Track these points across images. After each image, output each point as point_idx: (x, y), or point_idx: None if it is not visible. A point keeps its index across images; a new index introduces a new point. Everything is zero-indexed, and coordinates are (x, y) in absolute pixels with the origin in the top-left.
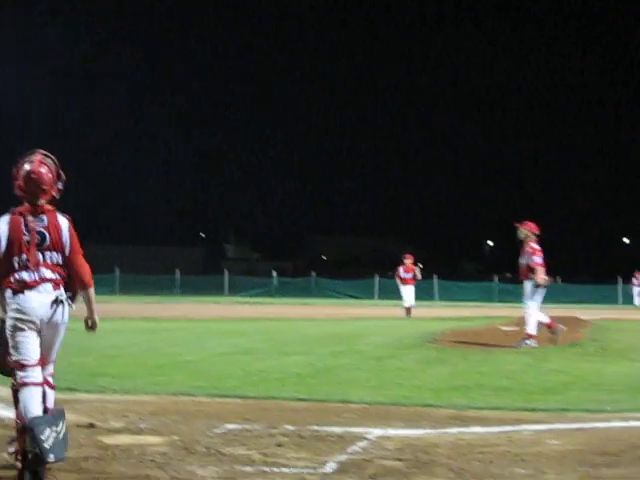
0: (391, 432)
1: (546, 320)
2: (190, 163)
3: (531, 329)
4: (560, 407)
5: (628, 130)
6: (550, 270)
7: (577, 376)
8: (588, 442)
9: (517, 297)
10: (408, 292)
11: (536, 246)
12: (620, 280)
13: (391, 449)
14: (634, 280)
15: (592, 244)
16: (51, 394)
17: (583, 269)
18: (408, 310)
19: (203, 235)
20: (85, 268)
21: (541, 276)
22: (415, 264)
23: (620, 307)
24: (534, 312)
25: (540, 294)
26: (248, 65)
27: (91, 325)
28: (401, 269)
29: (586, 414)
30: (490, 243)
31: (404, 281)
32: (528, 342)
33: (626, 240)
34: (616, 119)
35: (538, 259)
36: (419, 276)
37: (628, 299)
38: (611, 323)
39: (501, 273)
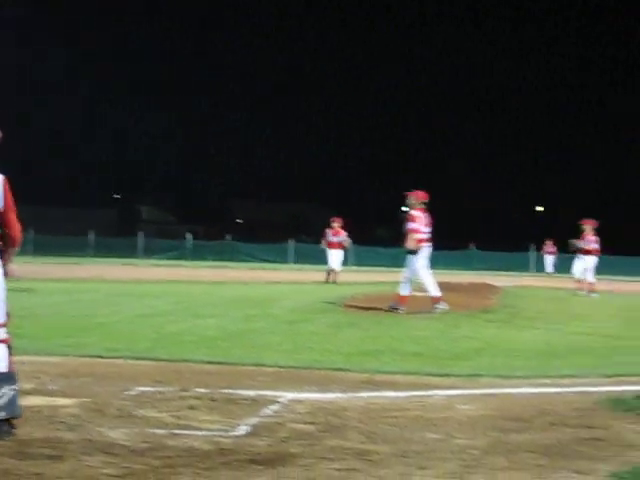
0: (303, 396)
1: (405, 292)
2: (106, 124)
3: (433, 292)
4: (471, 373)
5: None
6: (463, 237)
7: (488, 342)
8: (499, 407)
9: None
10: (335, 256)
11: (416, 213)
12: (533, 248)
13: (303, 412)
14: (545, 248)
15: (506, 212)
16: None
17: (497, 236)
18: (329, 274)
19: (118, 196)
20: (17, 226)
21: (410, 242)
22: (344, 228)
23: (532, 274)
24: (424, 277)
25: (422, 258)
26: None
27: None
28: (329, 232)
29: (497, 380)
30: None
31: (331, 245)
32: (438, 306)
33: (540, 208)
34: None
35: (412, 225)
36: (348, 241)
37: (540, 267)
38: (522, 290)
39: None
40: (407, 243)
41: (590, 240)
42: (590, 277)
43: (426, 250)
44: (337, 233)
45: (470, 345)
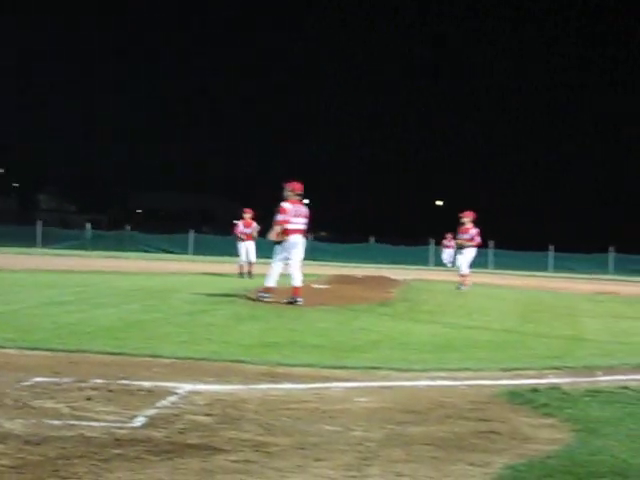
0: (201, 387)
1: (272, 283)
2: (4, 109)
3: (267, 282)
4: (369, 365)
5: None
6: (363, 230)
7: (386, 335)
8: (396, 400)
9: (331, 255)
10: (249, 248)
11: (285, 205)
12: (432, 242)
13: (200, 404)
14: (444, 242)
15: (406, 206)
16: None
17: (396, 230)
18: (243, 267)
19: (16, 184)
20: None
21: (271, 233)
22: (254, 219)
23: (431, 268)
24: (274, 267)
25: (285, 251)
26: None
27: None
28: (241, 224)
29: (394, 372)
30: (306, 201)
31: (244, 237)
32: (265, 295)
33: (439, 203)
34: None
35: (279, 217)
36: (256, 233)
37: (440, 260)
38: (421, 283)
39: (316, 232)
40: (269, 234)
41: (470, 232)
42: (465, 269)
43: (292, 242)
44: (248, 225)
45: (368, 338)
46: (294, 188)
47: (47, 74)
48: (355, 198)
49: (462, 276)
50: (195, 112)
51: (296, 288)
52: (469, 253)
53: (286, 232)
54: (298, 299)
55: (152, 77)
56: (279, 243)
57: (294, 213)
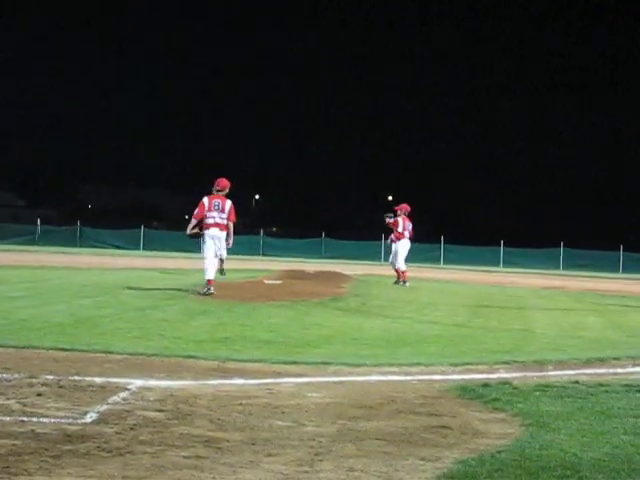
0: (152, 383)
1: (210, 276)
2: None
3: (207, 275)
4: (321, 360)
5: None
6: (313, 226)
7: (338, 330)
8: (347, 395)
9: (283, 251)
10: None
11: (204, 199)
12: (383, 237)
13: (152, 400)
14: (391, 236)
15: (358, 201)
16: None
17: (347, 225)
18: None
19: None
20: None
21: (188, 227)
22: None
23: (382, 264)
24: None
25: (208, 245)
26: None
27: None
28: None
29: (346, 368)
30: (257, 197)
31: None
32: (211, 289)
33: (390, 198)
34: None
35: (195, 211)
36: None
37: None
38: (373, 279)
39: (267, 227)
40: (187, 229)
41: (404, 226)
42: (401, 265)
43: (208, 234)
44: None
45: (320, 333)
46: (216, 184)
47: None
48: (306, 193)
49: (401, 272)
50: (145, 106)
51: (208, 280)
52: (403, 247)
53: (205, 226)
54: (210, 289)
55: (99, 75)
56: (196, 237)
57: (210, 207)
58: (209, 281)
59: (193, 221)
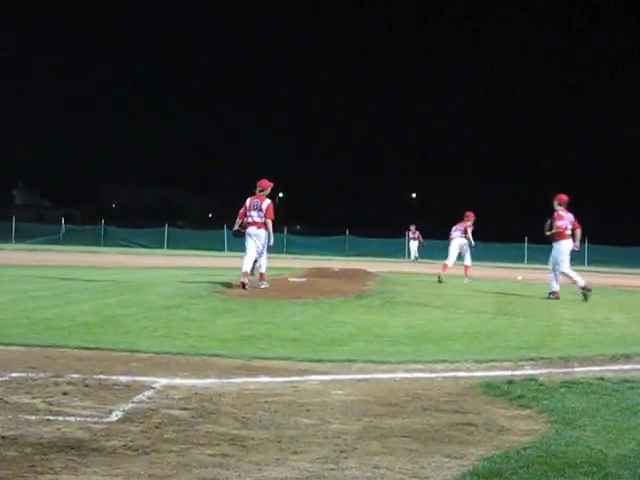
0: (177, 381)
1: (246, 268)
2: None
3: (244, 268)
4: (346, 358)
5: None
6: (336, 223)
7: (363, 328)
8: (372, 392)
9: (307, 249)
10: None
11: (247, 200)
12: (407, 234)
13: (177, 398)
14: (409, 234)
15: (381, 199)
16: None
17: (371, 222)
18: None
19: None
20: None
21: (235, 226)
22: None
23: (407, 261)
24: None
25: (247, 243)
26: None
27: None
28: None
29: (371, 365)
30: (280, 195)
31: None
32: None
33: (414, 195)
34: None
35: (241, 210)
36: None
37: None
38: (397, 276)
39: (291, 225)
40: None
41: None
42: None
43: (247, 232)
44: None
45: (345, 330)
46: (258, 185)
47: (15, 71)
48: (331, 192)
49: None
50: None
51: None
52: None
53: (246, 224)
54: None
55: (123, 76)
56: (240, 235)
57: (250, 207)
58: (245, 272)
59: (238, 220)
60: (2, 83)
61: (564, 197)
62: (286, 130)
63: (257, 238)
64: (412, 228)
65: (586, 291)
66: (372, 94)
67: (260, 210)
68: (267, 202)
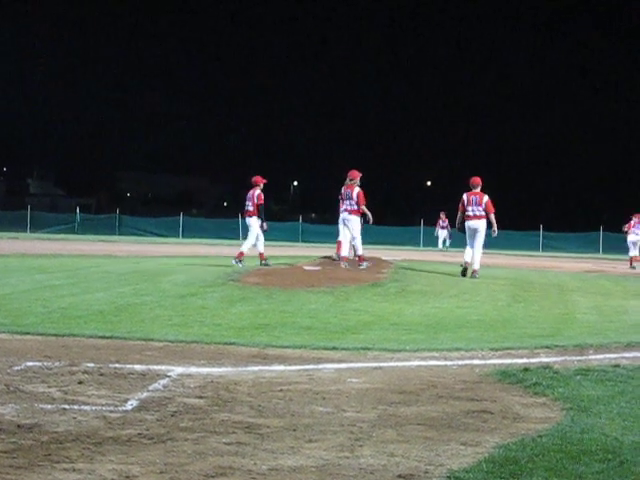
0: (192, 370)
1: (359, 252)
2: None
3: (358, 251)
4: (361, 346)
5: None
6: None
7: (378, 316)
8: (388, 380)
9: (321, 237)
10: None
11: (342, 190)
12: (422, 222)
13: (192, 387)
14: (440, 222)
15: (397, 187)
16: None
17: (388, 211)
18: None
19: (4, 169)
20: None
21: None
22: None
23: (421, 249)
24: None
25: (340, 228)
26: None
27: None
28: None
29: (386, 353)
30: (295, 183)
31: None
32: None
33: (429, 183)
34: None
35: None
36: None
37: (431, 241)
38: (413, 264)
39: (306, 213)
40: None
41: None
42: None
43: (341, 218)
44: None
45: (360, 318)
46: (349, 175)
47: (34, 61)
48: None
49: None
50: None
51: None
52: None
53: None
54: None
55: (136, 62)
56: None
57: (343, 196)
58: (360, 257)
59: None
60: (13, 71)
61: None
62: (300, 117)
63: (349, 223)
64: (442, 216)
65: None
66: (388, 79)
67: (351, 198)
68: (357, 190)
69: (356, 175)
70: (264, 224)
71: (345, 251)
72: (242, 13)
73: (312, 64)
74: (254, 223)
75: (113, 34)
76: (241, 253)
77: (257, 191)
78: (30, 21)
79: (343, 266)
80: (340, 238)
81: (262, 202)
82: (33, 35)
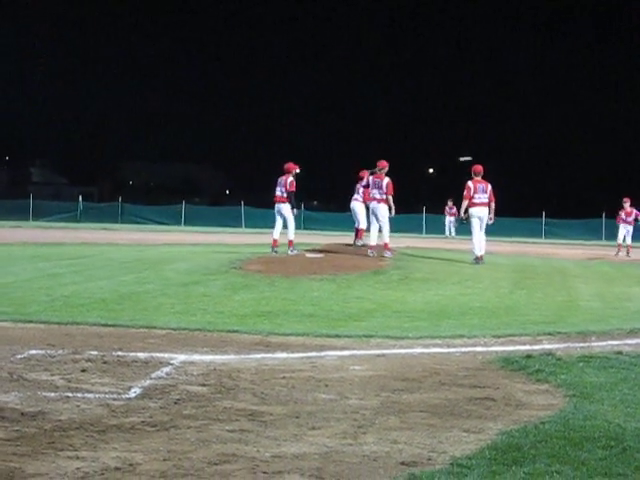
0: (195, 357)
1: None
2: None
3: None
4: (363, 333)
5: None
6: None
7: (380, 303)
8: (390, 368)
9: (324, 224)
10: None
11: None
12: (424, 209)
13: (195, 374)
14: (447, 209)
15: (400, 174)
16: None
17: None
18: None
19: (7, 158)
20: None
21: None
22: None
23: (424, 236)
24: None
25: None
26: None
27: None
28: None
29: (389, 340)
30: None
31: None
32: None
33: (431, 170)
34: None
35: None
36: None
37: (435, 228)
38: (414, 251)
39: (308, 201)
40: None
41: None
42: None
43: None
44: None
45: (362, 306)
46: (378, 165)
47: (36, 51)
48: (348, 166)
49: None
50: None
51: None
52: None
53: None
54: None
55: (136, 53)
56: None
57: (372, 185)
58: (386, 245)
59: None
60: (15, 61)
61: None
62: (303, 106)
63: (378, 211)
64: (450, 203)
65: None
66: (389, 79)
67: (380, 188)
68: (386, 180)
69: (385, 165)
70: (294, 210)
71: (374, 240)
72: (242, 13)
73: (312, 64)
74: (286, 209)
75: (113, 34)
76: (290, 242)
77: (290, 178)
78: (30, 21)
79: (371, 255)
80: (365, 227)
81: (294, 189)
82: (33, 35)
